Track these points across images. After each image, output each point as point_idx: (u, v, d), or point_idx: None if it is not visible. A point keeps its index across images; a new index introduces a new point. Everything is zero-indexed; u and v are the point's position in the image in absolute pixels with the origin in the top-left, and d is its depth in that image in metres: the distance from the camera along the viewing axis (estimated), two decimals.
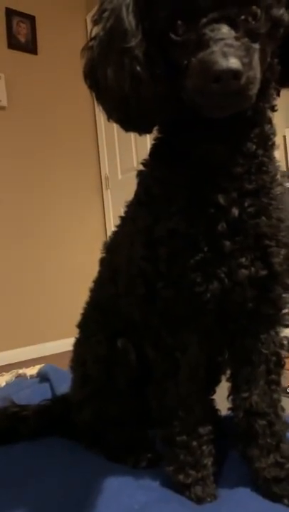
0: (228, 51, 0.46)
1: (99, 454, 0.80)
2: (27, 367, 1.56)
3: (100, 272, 0.83)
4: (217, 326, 0.65)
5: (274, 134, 0.62)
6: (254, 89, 0.50)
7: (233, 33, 0.48)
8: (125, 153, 2.95)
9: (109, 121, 0.59)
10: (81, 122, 3.10)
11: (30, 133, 2.83)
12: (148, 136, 0.64)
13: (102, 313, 0.80)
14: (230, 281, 0.59)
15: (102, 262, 0.83)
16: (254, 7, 0.49)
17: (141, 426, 0.80)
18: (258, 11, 0.50)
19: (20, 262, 2.72)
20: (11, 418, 0.92)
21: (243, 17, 0.49)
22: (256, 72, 0.50)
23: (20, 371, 1.51)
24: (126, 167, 2.95)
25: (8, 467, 0.81)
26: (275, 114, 0.63)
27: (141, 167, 0.69)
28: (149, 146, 0.68)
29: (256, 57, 0.50)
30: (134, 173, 0.70)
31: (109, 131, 3.02)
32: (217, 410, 0.84)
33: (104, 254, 0.82)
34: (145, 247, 0.64)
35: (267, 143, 0.61)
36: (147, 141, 0.67)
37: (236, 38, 0.48)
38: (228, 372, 0.73)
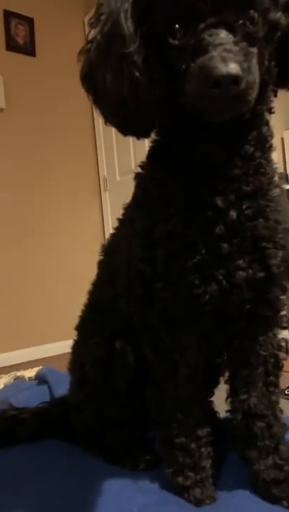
0: (228, 56, 0.46)
1: (97, 456, 0.80)
2: (25, 369, 1.56)
3: (98, 274, 0.83)
4: (215, 328, 0.65)
5: (271, 136, 0.62)
6: (253, 94, 0.50)
7: (231, 38, 0.48)
8: (123, 155, 2.95)
9: (106, 125, 0.60)
10: (79, 124, 3.10)
11: (28, 135, 2.83)
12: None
13: (100, 315, 0.80)
14: (228, 283, 0.60)
15: (101, 264, 0.83)
16: (251, 11, 0.50)
17: (139, 428, 0.80)
18: (256, 15, 0.50)
19: (17, 265, 2.72)
20: (9, 421, 0.91)
21: (240, 21, 0.49)
22: (255, 76, 0.50)
23: (19, 373, 1.51)
24: (124, 169, 2.95)
25: (7, 470, 0.81)
26: (273, 116, 0.63)
27: (139, 169, 0.69)
28: (147, 148, 0.68)
29: (255, 61, 0.50)
30: (133, 175, 0.70)
31: (107, 132, 3.03)
32: (216, 412, 0.84)
33: (102, 257, 0.82)
34: (143, 249, 0.64)
35: (264, 145, 0.61)
36: (145, 143, 0.67)
37: (235, 43, 0.48)
38: (227, 374, 0.73)
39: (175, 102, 0.54)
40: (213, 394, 0.82)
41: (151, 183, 0.65)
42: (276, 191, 0.63)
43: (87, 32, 0.57)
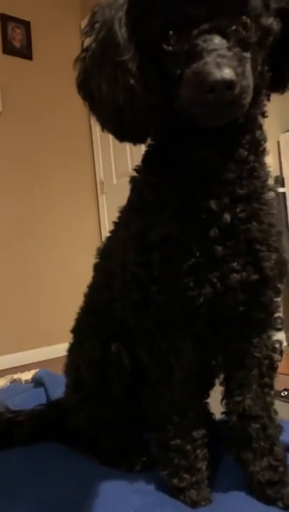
0: (222, 62, 0.47)
1: (94, 459, 0.80)
2: (22, 372, 1.56)
3: (94, 277, 0.84)
4: (210, 331, 0.65)
5: (265, 139, 0.63)
6: (247, 98, 0.51)
7: (225, 43, 0.49)
8: (120, 158, 2.95)
9: (103, 131, 0.60)
10: (76, 127, 3.10)
11: (25, 138, 2.83)
12: None
13: (96, 318, 0.80)
14: (222, 285, 0.60)
15: (96, 267, 0.83)
16: (244, 17, 0.50)
17: (135, 430, 0.81)
18: (248, 21, 0.51)
19: (14, 268, 2.72)
20: (5, 423, 0.92)
21: (233, 27, 0.50)
22: (249, 81, 0.50)
23: (15, 376, 1.51)
24: (121, 172, 2.95)
25: (3, 472, 0.81)
26: (269, 119, 0.64)
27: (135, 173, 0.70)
28: (143, 151, 0.68)
29: (248, 66, 0.51)
30: (129, 178, 0.71)
31: (104, 135, 3.03)
32: (211, 414, 0.85)
33: (98, 260, 0.83)
34: (138, 252, 0.65)
35: (258, 149, 0.62)
36: (142, 146, 0.68)
37: (228, 48, 0.48)
38: (222, 376, 0.73)
39: (170, 108, 0.54)
40: (208, 396, 0.82)
41: (146, 187, 0.66)
42: (269, 194, 0.64)
43: (83, 36, 0.58)
